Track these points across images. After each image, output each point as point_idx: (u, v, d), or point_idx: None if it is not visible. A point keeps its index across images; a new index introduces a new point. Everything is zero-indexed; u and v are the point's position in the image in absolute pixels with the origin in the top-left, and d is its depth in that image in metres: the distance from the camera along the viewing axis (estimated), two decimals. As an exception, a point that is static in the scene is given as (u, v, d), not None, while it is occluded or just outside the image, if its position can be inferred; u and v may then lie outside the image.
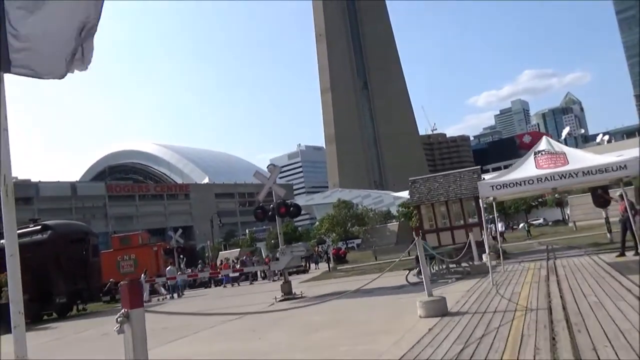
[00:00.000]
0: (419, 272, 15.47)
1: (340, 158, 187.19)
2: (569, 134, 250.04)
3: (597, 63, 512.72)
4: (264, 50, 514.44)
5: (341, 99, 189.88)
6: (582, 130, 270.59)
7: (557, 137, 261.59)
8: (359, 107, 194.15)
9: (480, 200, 11.46)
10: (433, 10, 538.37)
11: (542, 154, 11.21)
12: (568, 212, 64.24)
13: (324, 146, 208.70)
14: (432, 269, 16.00)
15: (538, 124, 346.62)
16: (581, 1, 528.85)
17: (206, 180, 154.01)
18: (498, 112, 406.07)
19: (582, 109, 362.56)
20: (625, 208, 13.07)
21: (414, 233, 9.06)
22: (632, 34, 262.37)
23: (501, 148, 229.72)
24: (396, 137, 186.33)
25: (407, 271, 14.71)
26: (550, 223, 73.85)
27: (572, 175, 10.16)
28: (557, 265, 13.25)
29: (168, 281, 25.35)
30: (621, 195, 13.34)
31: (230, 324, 10.90)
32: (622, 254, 13.16)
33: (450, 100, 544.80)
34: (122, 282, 3.17)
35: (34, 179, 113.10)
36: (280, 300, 15.20)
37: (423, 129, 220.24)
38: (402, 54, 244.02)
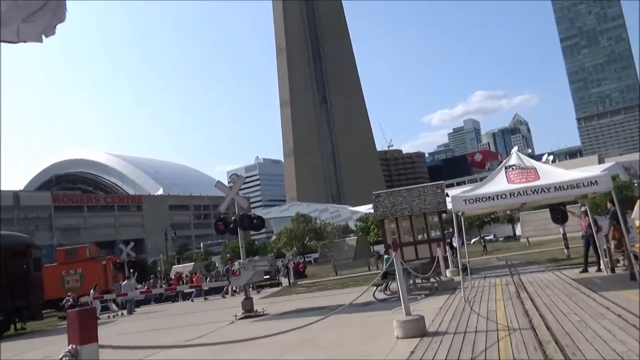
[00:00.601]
0: (386, 288, 15.15)
1: (298, 171, 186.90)
2: (516, 153, 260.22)
3: (544, 86, 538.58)
4: (223, 63, 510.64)
5: (300, 112, 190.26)
6: (529, 150, 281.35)
7: (506, 156, 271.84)
8: (318, 121, 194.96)
9: (454, 215, 11.17)
10: (392, 31, 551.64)
11: (512, 168, 11.11)
12: (518, 228, 66.16)
13: (282, 159, 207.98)
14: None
15: (488, 143, 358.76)
16: (529, 29, 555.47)
17: (160, 192, 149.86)
18: (451, 131, 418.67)
19: (529, 130, 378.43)
20: (589, 224, 13.18)
21: (390, 247, 8.56)
22: (575, 61, 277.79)
23: (454, 165, 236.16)
24: (354, 152, 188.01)
25: (374, 287, 14.24)
26: (501, 239, 75.88)
27: (544, 191, 10.05)
28: (524, 281, 13.16)
29: (119, 297, 23.94)
30: (585, 212, 13.48)
31: (190, 349, 10.07)
32: (585, 270, 13.23)
33: (406, 118, 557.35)
34: (68, 298, 2.46)
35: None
36: (241, 318, 14.41)
37: (380, 145, 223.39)
38: (361, 70, 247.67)
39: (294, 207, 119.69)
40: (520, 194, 10.18)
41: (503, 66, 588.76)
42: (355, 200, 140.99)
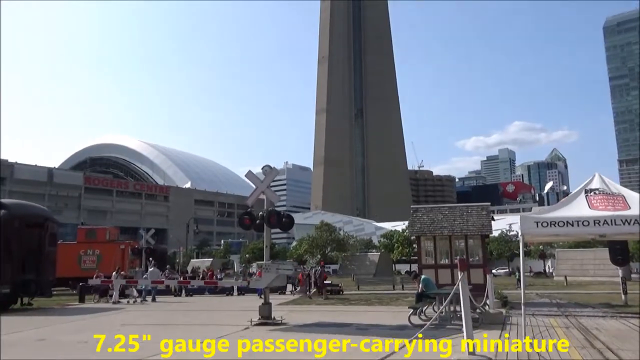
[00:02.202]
0: (422, 312, 13.47)
1: (326, 181, 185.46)
2: (551, 188, 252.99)
3: (585, 124, 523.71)
4: (263, 64, 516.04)
5: (335, 122, 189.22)
6: (565, 187, 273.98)
7: (540, 191, 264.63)
8: (352, 134, 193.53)
9: (520, 238, 9.53)
10: (435, 50, 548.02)
11: (595, 193, 9.43)
12: (549, 264, 62.96)
13: (312, 167, 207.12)
14: (434, 310, 13.96)
15: (522, 175, 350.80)
16: (577, 63, 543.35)
17: (188, 185, 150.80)
18: (485, 158, 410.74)
19: (566, 167, 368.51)
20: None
21: (458, 267, 7.01)
22: (623, 101, 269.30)
23: (484, 193, 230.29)
24: (384, 167, 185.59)
25: (410, 310, 12.61)
26: (531, 274, 72.55)
27: (638, 222, 8.36)
28: (587, 325, 11.33)
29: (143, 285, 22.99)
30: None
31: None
32: (662, 322, 11.34)
33: (439, 140, 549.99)
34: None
35: (12, 160, 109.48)
36: (257, 324, 12.99)
37: (411, 164, 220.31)
38: (400, 86, 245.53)
39: (318, 216, 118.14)
40: (607, 223, 8.51)
41: (545, 99, 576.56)
42: (380, 216, 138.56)
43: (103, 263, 32.68)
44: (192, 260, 74.63)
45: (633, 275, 18.04)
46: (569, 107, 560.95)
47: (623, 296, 17.71)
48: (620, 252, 16.74)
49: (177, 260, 69.08)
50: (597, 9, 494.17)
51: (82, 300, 23.58)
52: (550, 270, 59.25)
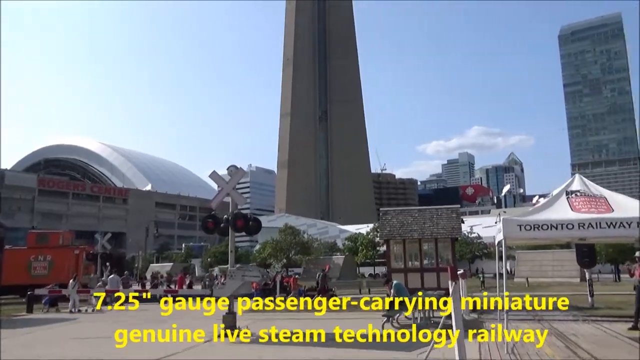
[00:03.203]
0: (388, 320, 12.89)
1: (290, 184, 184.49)
2: (508, 191, 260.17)
3: (541, 129, 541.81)
4: (227, 65, 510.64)
5: (299, 125, 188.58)
6: (521, 190, 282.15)
7: (498, 194, 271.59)
8: (316, 136, 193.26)
9: (503, 242, 9.08)
10: (397, 56, 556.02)
11: (576, 195, 9.12)
12: (508, 266, 64.13)
13: (275, 170, 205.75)
14: (406, 317, 13.48)
15: (481, 178, 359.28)
16: (534, 70, 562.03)
17: (148, 188, 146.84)
18: (445, 162, 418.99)
19: (522, 170, 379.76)
20: (644, 273, 11.18)
21: (449, 274, 6.43)
22: (576, 107, 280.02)
23: (445, 196, 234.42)
24: (348, 171, 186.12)
25: (385, 318, 12.04)
26: (491, 275, 73.66)
27: (623, 225, 8.08)
28: (564, 332, 11.05)
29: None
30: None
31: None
32: (636, 327, 11.17)
33: (401, 144, 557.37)
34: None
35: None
36: (220, 335, 12.14)
37: (373, 168, 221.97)
38: (365, 91, 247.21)
39: (282, 219, 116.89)
40: (592, 226, 8.19)
41: (503, 104, 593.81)
42: (344, 219, 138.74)
43: (55, 269, 30.89)
44: (151, 265, 72.33)
45: (593, 276, 18.20)
46: (526, 113, 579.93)
47: (590, 298, 17.73)
48: (587, 255, 16.74)
49: (136, 265, 66.79)
50: (553, 18, 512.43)
51: (30, 310, 21.98)
52: (511, 272, 60.30)
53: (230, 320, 12.55)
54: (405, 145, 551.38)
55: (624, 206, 8.76)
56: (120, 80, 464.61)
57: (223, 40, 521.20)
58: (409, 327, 12.40)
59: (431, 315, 13.10)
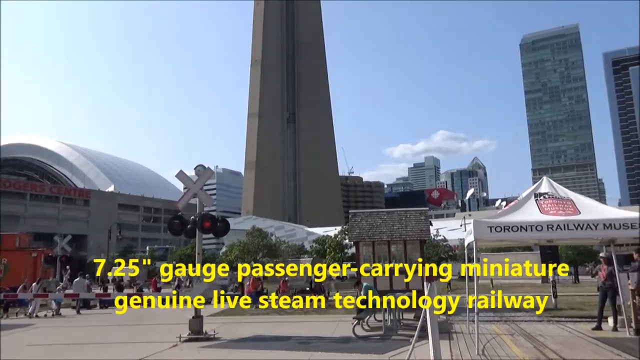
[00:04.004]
0: (359, 323, 12.81)
1: (257, 186, 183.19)
2: (472, 195, 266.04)
3: (503, 134, 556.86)
4: (194, 65, 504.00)
5: (267, 126, 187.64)
6: (485, 194, 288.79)
7: (462, 197, 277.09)
8: (284, 138, 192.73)
9: (474, 243, 9.12)
10: (367, 59, 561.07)
11: (544, 197, 9.27)
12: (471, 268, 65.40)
13: (243, 172, 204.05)
14: (376, 320, 13.43)
15: (446, 181, 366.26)
16: (497, 77, 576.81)
17: (111, 189, 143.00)
18: (412, 165, 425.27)
19: (485, 174, 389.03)
20: (610, 275, 11.46)
21: (426, 274, 6.39)
22: (536, 114, 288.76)
23: (412, 199, 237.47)
24: (316, 173, 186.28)
25: (355, 320, 11.94)
26: (455, 277, 74.92)
27: (590, 227, 8.24)
28: (531, 332, 11.21)
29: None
30: (607, 259, 11.72)
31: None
32: (599, 327, 11.44)
33: (369, 147, 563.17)
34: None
35: None
36: (186, 341, 11.79)
37: (341, 170, 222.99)
38: (333, 93, 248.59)
39: (249, 221, 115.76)
40: (561, 228, 8.32)
41: (468, 110, 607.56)
42: (311, 221, 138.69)
43: (11, 273, 29.56)
44: (114, 267, 70.31)
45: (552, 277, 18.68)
46: (490, 118, 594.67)
47: (553, 299, 18.15)
48: (551, 257, 17.12)
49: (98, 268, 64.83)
50: (515, 27, 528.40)
51: (-17, 316, 20.98)
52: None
53: (197, 324, 12.22)
54: (373, 149, 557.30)
55: (590, 209, 8.97)
56: (81, 79, 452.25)
57: (189, 38, 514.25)
58: (379, 329, 12.35)
59: (401, 317, 13.09)
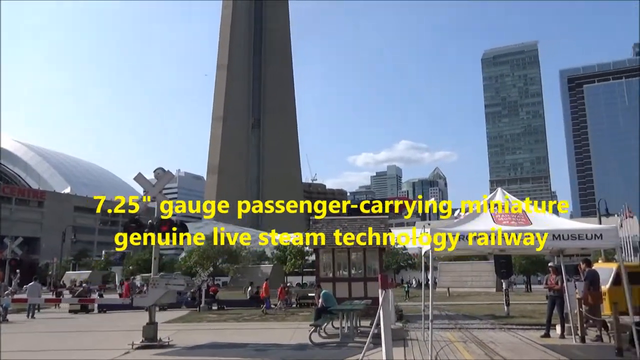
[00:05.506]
0: (316, 330, 12.83)
1: (219, 190, 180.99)
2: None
3: (464, 146, 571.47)
4: (157, 67, 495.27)
5: (231, 131, 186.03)
6: (445, 204, 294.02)
7: (423, 207, 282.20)
8: (248, 143, 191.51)
9: (430, 252, 9.32)
10: (332, 68, 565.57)
11: (497, 207, 9.56)
12: (429, 276, 66.66)
13: (205, 176, 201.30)
14: (333, 327, 13.48)
15: (408, 191, 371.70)
16: (459, 90, 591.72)
17: (67, 190, 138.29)
18: (374, 174, 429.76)
19: (446, 184, 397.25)
20: (557, 283, 11.91)
21: (379, 282, 6.51)
22: (495, 127, 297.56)
23: (374, 207, 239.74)
24: (279, 180, 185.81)
25: (312, 327, 11.95)
26: (414, 285, 76.15)
27: (539, 238, 8.54)
28: (482, 339, 11.50)
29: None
30: (556, 269, 12.18)
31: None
32: (547, 335, 11.85)
33: (332, 154, 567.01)
34: None
35: None
36: (139, 348, 11.51)
37: (304, 177, 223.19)
38: (298, 99, 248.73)
39: (210, 226, 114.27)
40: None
41: (430, 121, 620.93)
42: (273, 228, 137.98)
43: (-45, 277, 28.16)
44: (67, 272, 67.91)
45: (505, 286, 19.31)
46: (451, 130, 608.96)
47: (505, 307, 18.69)
48: (505, 266, 17.64)
49: (50, 273, 62.50)
50: (477, 42, 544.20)
51: None
52: (435, 282, 62.68)
53: (151, 331, 11.95)
54: (336, 156, 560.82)
55: (541, 219, 9.32)
56: (39, 77, 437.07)
57: (153, 40, 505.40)
58: (336, 336, 12.41)
59: (359, 325, 13.20)
